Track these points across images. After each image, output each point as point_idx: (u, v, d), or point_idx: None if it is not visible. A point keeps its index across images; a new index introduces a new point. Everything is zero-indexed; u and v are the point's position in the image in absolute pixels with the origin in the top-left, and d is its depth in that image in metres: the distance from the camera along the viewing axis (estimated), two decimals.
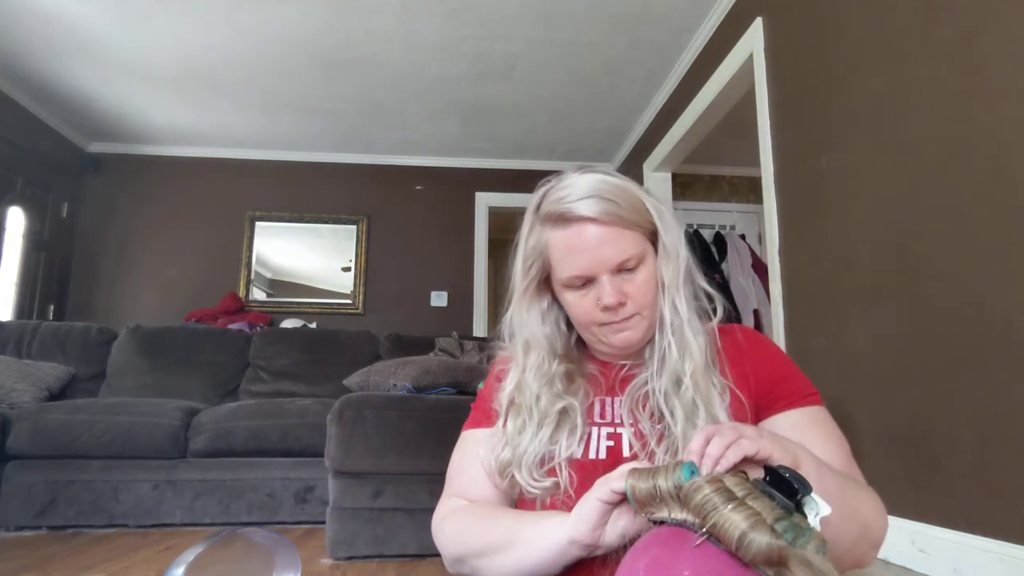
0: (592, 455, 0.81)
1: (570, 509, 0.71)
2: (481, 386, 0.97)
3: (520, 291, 0.86)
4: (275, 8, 3.00)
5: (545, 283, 0.86)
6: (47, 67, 3.55)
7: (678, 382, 0.79)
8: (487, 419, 0.90)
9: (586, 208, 0.77)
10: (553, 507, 0.78)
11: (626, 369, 0.86)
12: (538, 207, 0.83)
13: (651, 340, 0.84)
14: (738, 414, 0.79)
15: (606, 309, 0.79)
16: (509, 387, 0.87)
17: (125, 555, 1.96)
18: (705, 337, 0.81)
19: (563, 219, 0.79)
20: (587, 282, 0.80)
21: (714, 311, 0.84)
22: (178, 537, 2.25)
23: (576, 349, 0.90)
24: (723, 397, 0.79)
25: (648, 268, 0.81)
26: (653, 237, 0.82)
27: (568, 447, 0.81)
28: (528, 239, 0.84)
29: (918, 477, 1.68)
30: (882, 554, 1.75)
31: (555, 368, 0.85)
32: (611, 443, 0.82)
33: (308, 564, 1.85)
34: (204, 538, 0.75)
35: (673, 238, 0.82)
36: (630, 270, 0.80)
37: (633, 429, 0.81)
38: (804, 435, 0.74)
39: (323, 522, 2.01)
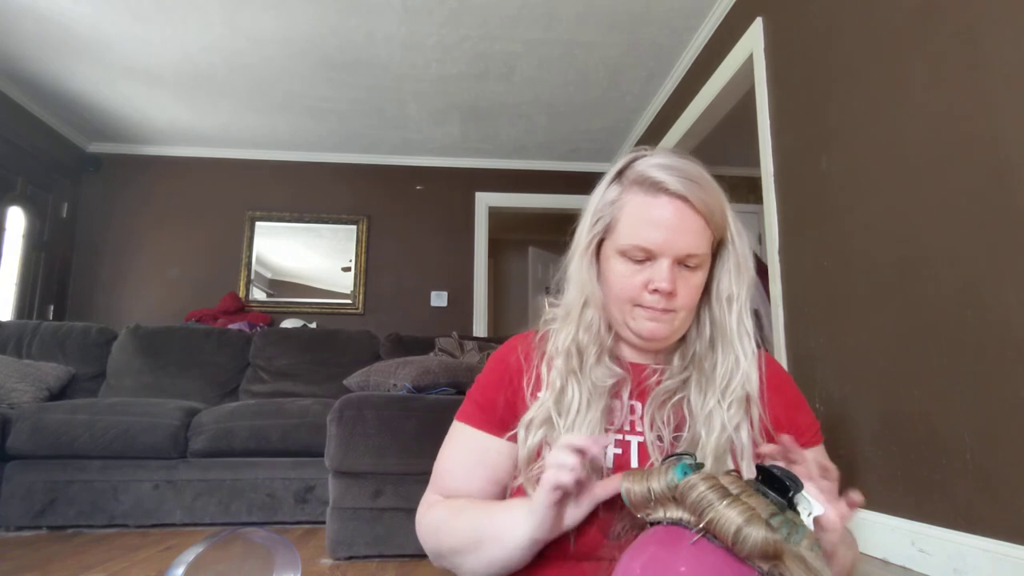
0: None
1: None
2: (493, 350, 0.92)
3: (583, 246, 0.81)
4: (276, 9, 3.00)
5: (597, 247, 0.81)
6: (47, 67, 3.55)
7: (722, 401, 0.75)
8: (488, 418, 0.83)
9: (683, 187, 0.73)
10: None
11: (656, 374, 0.81)
12: (624, 168, 0.79)
13: (680, 347, 0.82)
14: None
15: (655, 292, 0.74)
16: (562, 345, 0.80)
17: (125, 555, 1.96)
18: (757, 362, 0.78)
19: (654, 187, 0.75)
20: (646, 259, 0.75)
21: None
22: (178, 537, 2.25)
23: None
24: (754, 425, 0.76)
25: (703, 273, 0.78)
26: (716, 247, 0.79)
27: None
28: (604, 195, 0.79)
29: (918, 477, 1.67)
30: (882, 554, 1.75)
31: (608, 341, 0.80)
32: (618, 451, 0.77)
33: (308, 564, 1.85)
34: (204, 538, 0.75)
35: (745, 250, 0.79)
36: (689, 267, 0.76)
37: (654, 436, 0.76)
38: None
39: (323, 522, 2.01)
